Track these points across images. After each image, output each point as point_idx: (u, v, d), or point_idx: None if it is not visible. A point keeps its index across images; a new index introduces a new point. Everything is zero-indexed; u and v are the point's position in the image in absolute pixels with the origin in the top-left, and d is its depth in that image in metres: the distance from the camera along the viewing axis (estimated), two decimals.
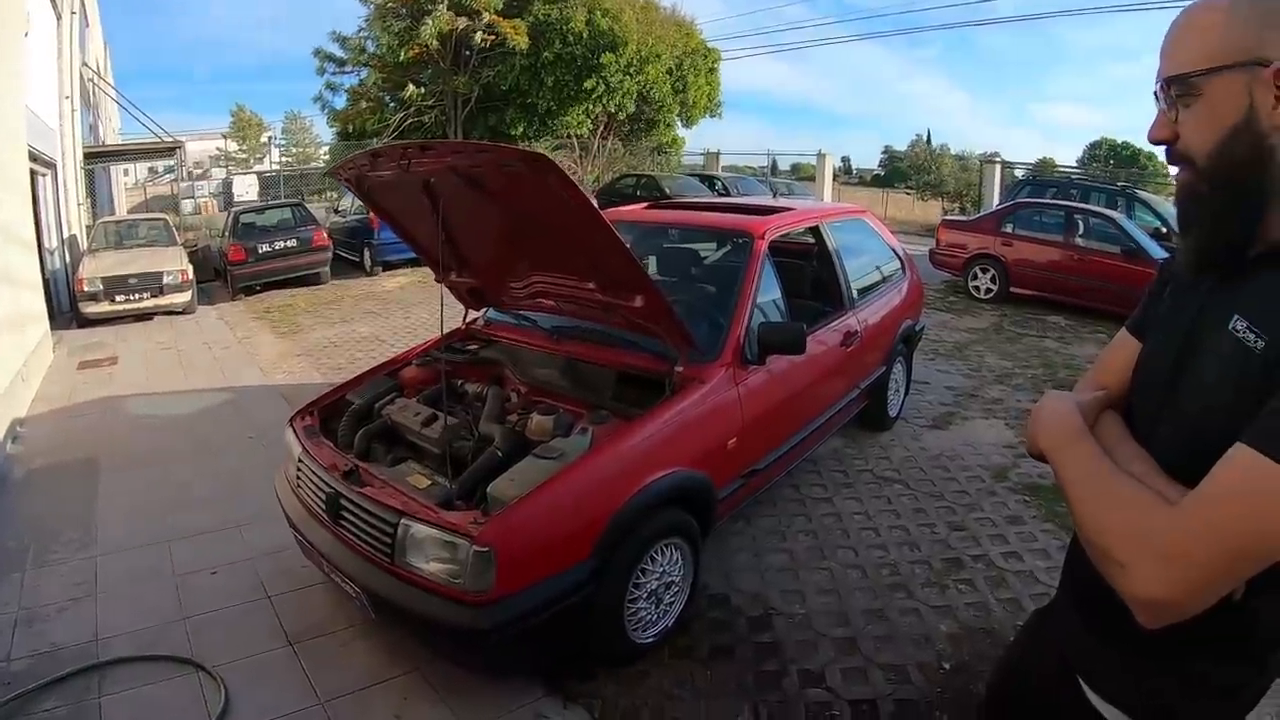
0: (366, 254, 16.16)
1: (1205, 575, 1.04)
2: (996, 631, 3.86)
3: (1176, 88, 1.18)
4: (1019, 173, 26.99)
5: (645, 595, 3.51)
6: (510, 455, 3.50)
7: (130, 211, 23.68)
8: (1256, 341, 1.12)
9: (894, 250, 6.81)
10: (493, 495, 3.16)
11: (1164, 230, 13.84)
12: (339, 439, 3.94)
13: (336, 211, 19.47)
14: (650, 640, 3.60)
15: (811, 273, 5.91)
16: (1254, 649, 1.26)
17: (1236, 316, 1.17)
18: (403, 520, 3.07)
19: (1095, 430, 1.36)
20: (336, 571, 3.36)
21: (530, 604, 2.99)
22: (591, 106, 28.31)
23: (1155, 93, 1.24)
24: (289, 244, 14.77)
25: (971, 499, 5.36)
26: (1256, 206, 1.16)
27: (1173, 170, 1.28)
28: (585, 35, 26.95)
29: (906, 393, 6.97)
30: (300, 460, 3.79)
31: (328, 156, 35.29)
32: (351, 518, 3.31)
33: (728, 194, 20.66)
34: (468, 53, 26.64)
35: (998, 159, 28.87)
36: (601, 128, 29.78)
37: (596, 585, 3.21)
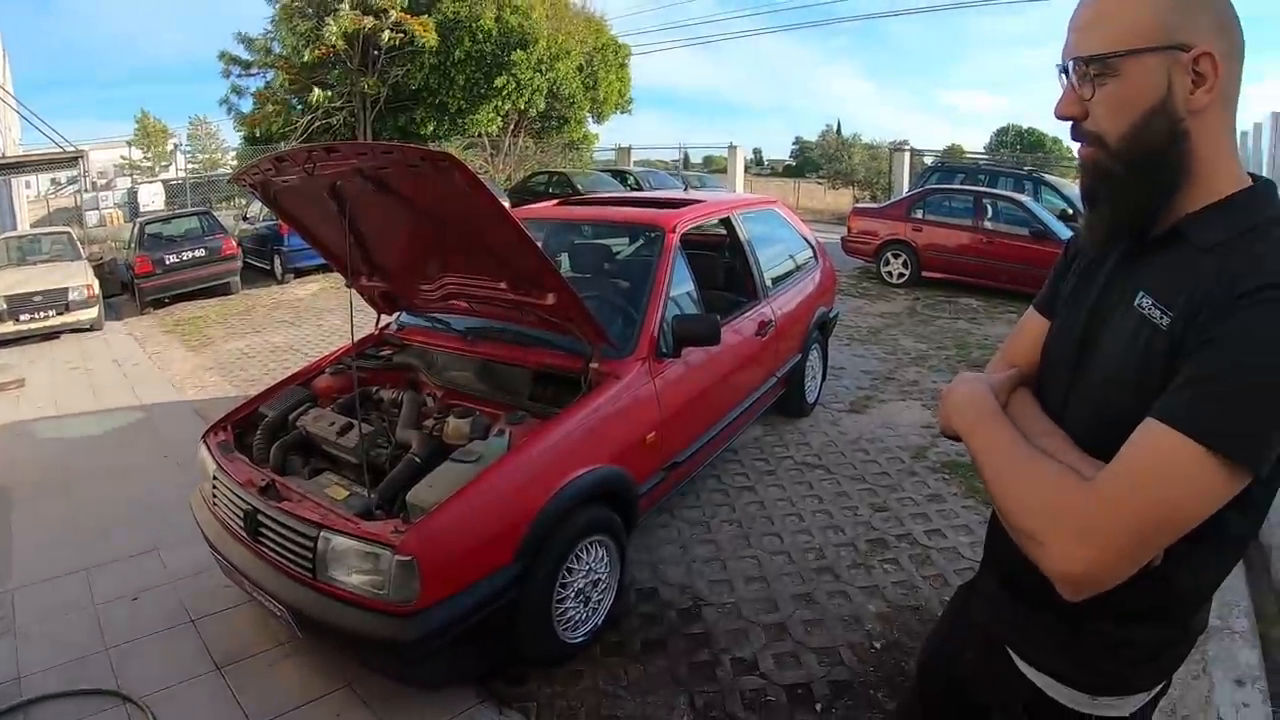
0: (277, 261, 15.79)
1: (1121, 549, 1.08)
2: (924, 608, 3.95)
3: (1095, 66, 1.19)
4: (928, 159, 27.48)
5: (573, 594, 3.52)
6: (428, 461, 3.47)
7: (33, 226, 22.78)
8: (1162, 317, 1.16)
9: (806, 239, 6.91)
10: (412, 503, 3.13)
11: (1070, 212, 14.26)
12: (254, 453, 3.86)
13: (245, 219, 19.05)
14: (581, 639, 3.60)
15: (724, 264, 5.97)
16: (1176, 612, 1.30)
17: (1142, 293, 1.21)
18: (322, 533, 3.03)
19: (1008, 409, 1.39)
20: (259, 590, 3.30)
21: (457, 611, 2.98)
22: (502, 104, 28.09)
23: (1064, 68, 1.25)
24: (197, 254, 14.36)
25: (892, 480, 5.47)
26: (1168, 186, 1.20)
27: (1075, 146, 1.30)
28: (495, 32, 26.75)
29: (824, 378, 7.08)
30: (215, 478, 3.71)
31: (235, 162, 34.38)
32: (270, 534, 3.25)
33: (640, 188, 20.75)
34: (375, 52, 26.16)
35: (907, 146, 29.40)
36: (513, 126, 29.63)
37: (522, 587, 3.21)
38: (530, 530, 3.20)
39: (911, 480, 5.47)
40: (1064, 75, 1.25)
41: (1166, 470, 1.06)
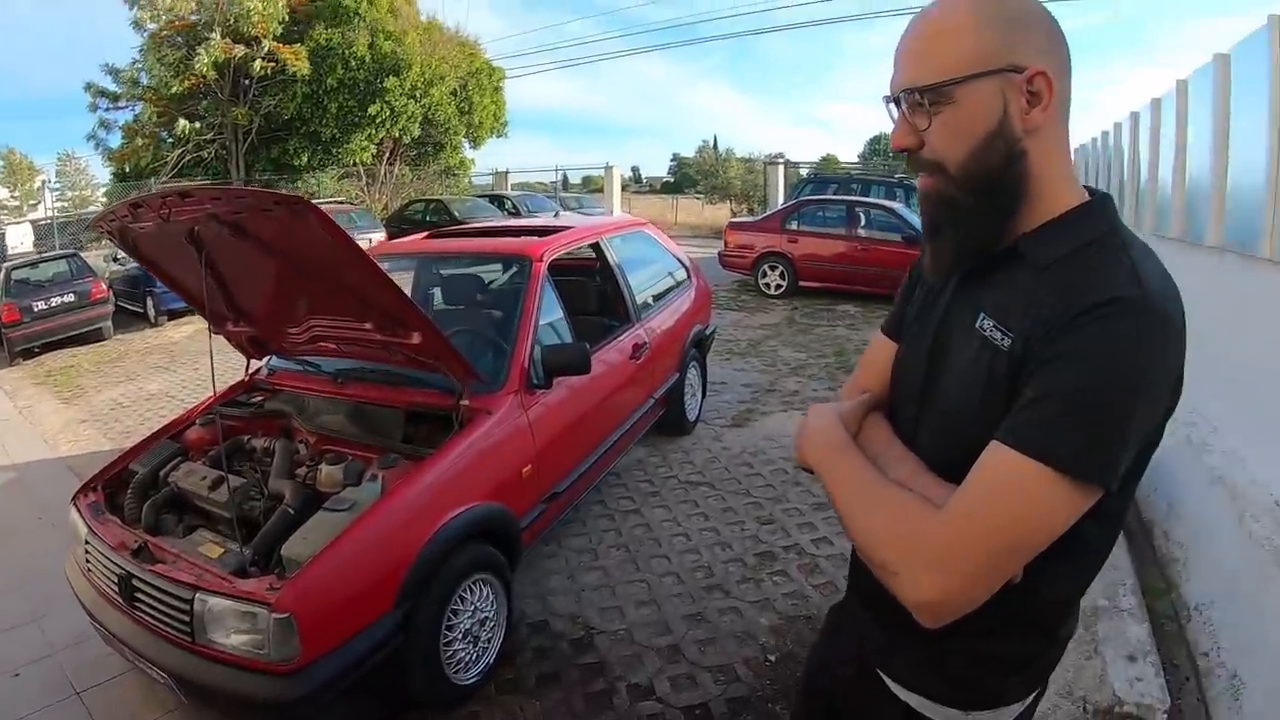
0: (150, 303, 15.19)
1: (975, 574, 1.08)
2: (816, 617, 4.01)
3: (929, 96, 1.17)
4: (803, 171, 28.11)
5: (461, 635, 3.48)
6: (303, 511, 3.40)
7: None
8: (1003, 339, 1.17)
9: (678, 258, 7.00)
10: (287, 557, 3.06)
11: None
12: (126, 513, 3.71)
13: (115, 260, 18.20)
14: (474, 680, 3.56)
15: (596, 289, 6.01)
16: (1042, 624, 1.31)
17: (983, 314, 1.22)
18: (198, 595, 2.93)
19: (861, 435, 1.40)
20: (139, 658, 3.18)
21: (341, 665, 2.92)
22: (376, 132, 27.94)
23: (894, 100, 1.24)
24: (66, 299, 13.72)
25: (777, 492, 5.56)
26: (1010, 209, 1.20)
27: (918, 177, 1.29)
28: (368, 59, 26.65)
29: (704, 395, 7.17)
30: (88, 541, 3.55)
31: (105, 199, 33.23)
32: (146, 598, 3.13)
33: (518, 213, 21.00)
34: (247, 82, 25.76)
35: (781, 159, 30.13)
36: (388, 154, 29.43)
37: (408, 633, 3.17)
38: (410, 575, 3.16)
39: (796, 490, 5.56)
40: (893, 106, 1.25)
41: (1014, 494, 1.06)
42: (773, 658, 3.75)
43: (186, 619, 2.95)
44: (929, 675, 1.37)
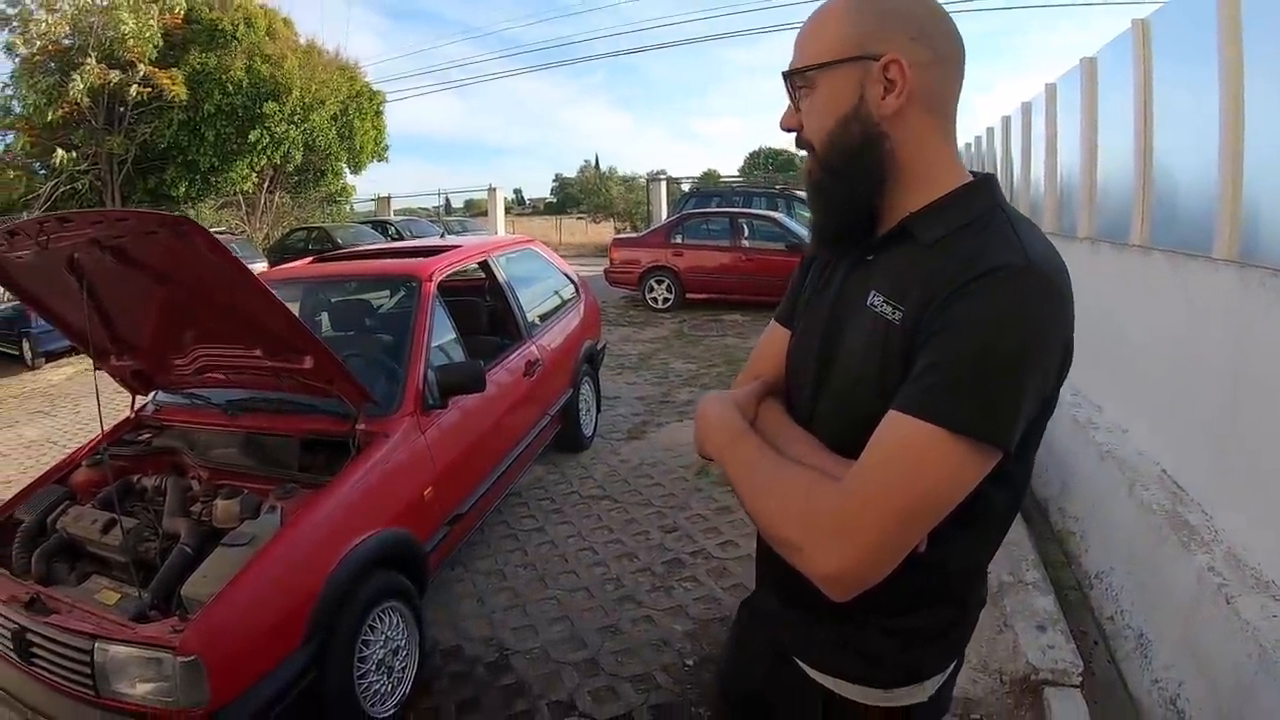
0: (26, 345, 14.34)
1: (879, 542, 1.09)
2: (729, 618, 4.01)
3: (797, 80, 1.29)
4: (685, 187, 28.48)
5: (374, 666, 3.42)
6: (200, 549, 3.31)
7: None
8: (894, 313, 1.21)
9: (566, 275, 7.07)
10: (188, 597, 2.97)
11: None
12: (14, 564, 3.52)
13: None
14: (391, 711, 3.51)
15: (487, 307, 6.03)
16: (953, 593, 1.35)
17: (873, 291, 1.26)
18: (97, 644, 2.81)
19: (758, 420, 1.42)
20: (39, 716, 3.04)
21: (254, 707, 2.84)
22: (256, 159, 27.17)
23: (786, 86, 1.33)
24: None
25: (679, 499, 5.64)
26: (867, 186, 1.27)
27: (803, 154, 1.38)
28: (246, 84, 25.90)
29: (599, 410, 7.22)
30: None
31: None
32: (43, 652, 2.98)
33: (401, 238, 20.74)
34: (122, 109, 24.61)
35: (663, 175, 30.48)
36: (268, 182, 28.77)
37: (320, 668, 3.10)
38: (317, 607, 3.10)
39: (698, 497, 5.65)
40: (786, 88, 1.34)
41: (913, 459, 1.09)
42: (690, 662, 3.80)
43: (88, 670, 2.83)
44: (845, 656, 1.38)
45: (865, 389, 1.24)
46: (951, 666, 1.44)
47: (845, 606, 1.16)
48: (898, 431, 1.11)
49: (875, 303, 1.25)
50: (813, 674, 1.44)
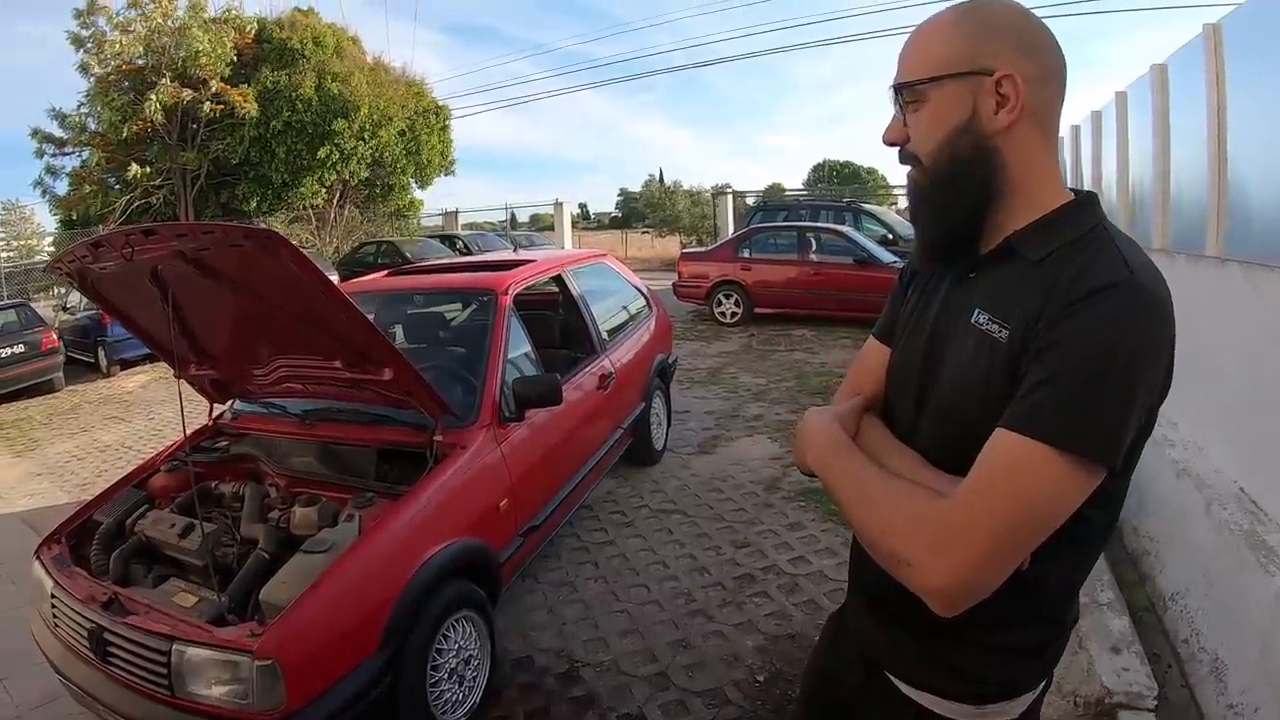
0: (101, 353, 14.93)
1: (988, 558, 1.10)
2: (800, 634, 4.06)
3: (906, 93, 1.28)
4: (750, 200, 28.44)
5: (447, 675, 3.45)
6: (278, 555, 3.36)
7: None
8: (1000, 332, 1.21)
9: (638, 288, 7.09)
10: (266, 602, 3.01)
11: (890, 237, 15.12)
12: (93, 565, 3.61)
13: (64, 309, 17.87)
14: (462, 719, 3.53)
15: (560, 321, 6.05)
16: (1050, 609, 1.34)
17: (977, 310, 1.27)
18: (175, 646, 2.86)
19: (859, 436, 1.42)
20: (114, 715, 3.08)
21: (328, 711, 2.86)
22: (326, 175, 27.85)
23: (892, 97, 1.34)
24: (16, 350, 13.39)
25: (750, 515, 5.61)
26: (977, 201, 1.27)
27: (905, 170, 1.37)
28: (315, 101, 26.66)
29: (670, 424, 7.23)
30: (53, 595, 3.45)
31: (52, 248, 32.24)
32: (120, 652, 3.05)
33: (470, 252, 20.88)
34: (195, 125, 25.48)
35: (729, 190, 30.43)
36: (337, 196, 29.35)
37: (394, 675, 3.13)
38: (393, 615, 3.13)
39: (769, 512, 5.61)
40: (894, 101, 1.34)
41: (1022, 476, 1.09)
42: (761, 678, 3.77)
43: (164, 671, 2.88)
44: (941, 672, 1.38)
45: (969, 407, 1.25)
46: (1043, 684, 1.42)
47: (942, 621, 1.16)
48: (1005, 449, 1.12)
49: (980, 320, 1.26)
50: (904, 689, 1.44)
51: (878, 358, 1.56)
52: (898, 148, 1.35)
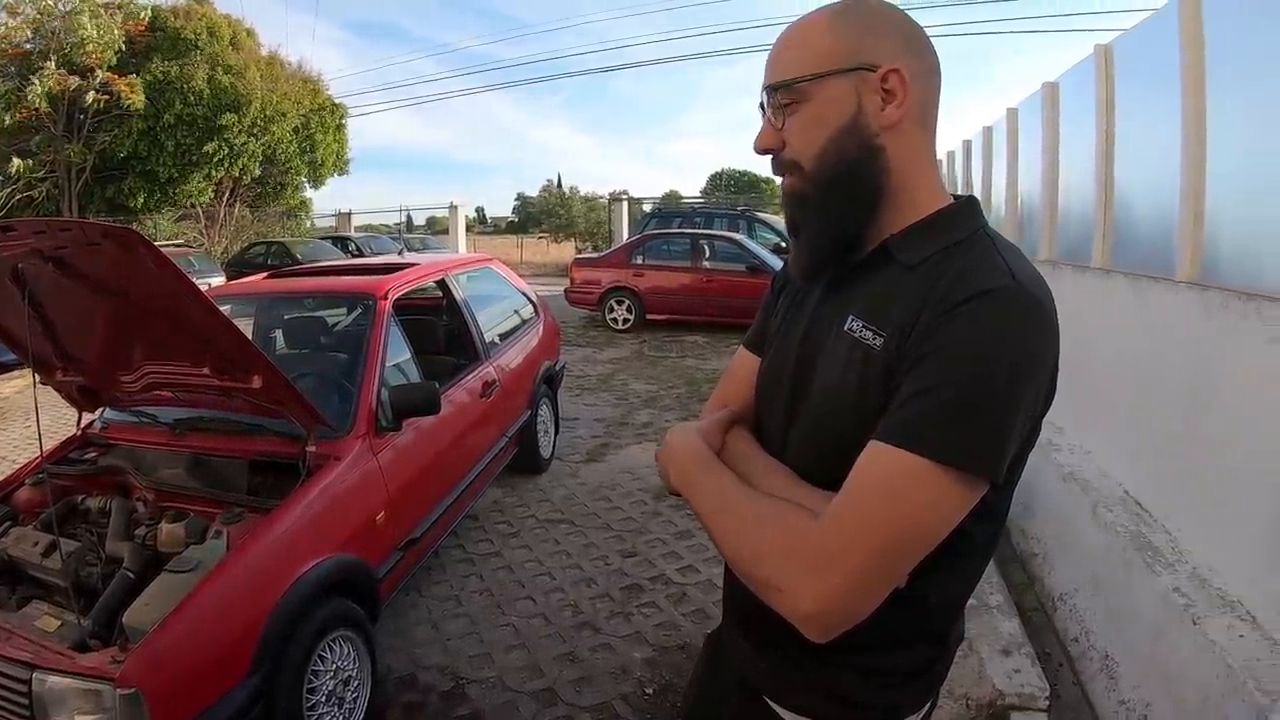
0: None
1: (862, 580, 1.05)
2: (689, 645, 4.05)
3: (783, 95, 1.21)
4: (646, 207, 28.73)
5: (324, 698, 3.32)
6: (144, 574, 3.21)
7: None
8: (874, 338, 1.16)
9: (525, 294, 7.04)
10: (129, 625, 2.87)
11: (783, 245, 15.40)
12: None
13: None
14: None
15: (444, 327, 5.95)
16: (932, 628, 1.30)
17: (851, 316, 1.21)
18: (35, 674, 2.68)
19: (725, 451, 1.36)
20: None
21: None
22: (215, 171, 27.10)
23: (760, 104, 1.28)
24: None
25: (638, 524, 5.60)
26: (865, 205, 1.22)
27: (779, 181, 1.31)
28: (207, 94, 25.90)
29: (557, 432, 7.17)
30: None
31: None
32: None
33: (362, 255, 20.88)
34: (81, 116, 24.41)
35: (625, 196, 30.71)
36: (227, 194, 28.67)
37: (268, 700, 3.00)
38: (264, 637, 3.00)
39: (657, 521, 5.62)
40: (761, 109, 1.28)
41: (898, 491, 1.04)
42: (650, 690, 3.74)
43: (25, 702, 2.70)
44: (819, 698, 1.33)
45: (842, 417, 1.20)
46: (928, 705, 1.40)
47: (820, 646, 1.10)
48: (880, 463, 1.06)
49: (853, 328, 1.20)
50: (784, 714, 1.38)
51: (747, 368, 1.51)
52: (771, 155, 1.29)
